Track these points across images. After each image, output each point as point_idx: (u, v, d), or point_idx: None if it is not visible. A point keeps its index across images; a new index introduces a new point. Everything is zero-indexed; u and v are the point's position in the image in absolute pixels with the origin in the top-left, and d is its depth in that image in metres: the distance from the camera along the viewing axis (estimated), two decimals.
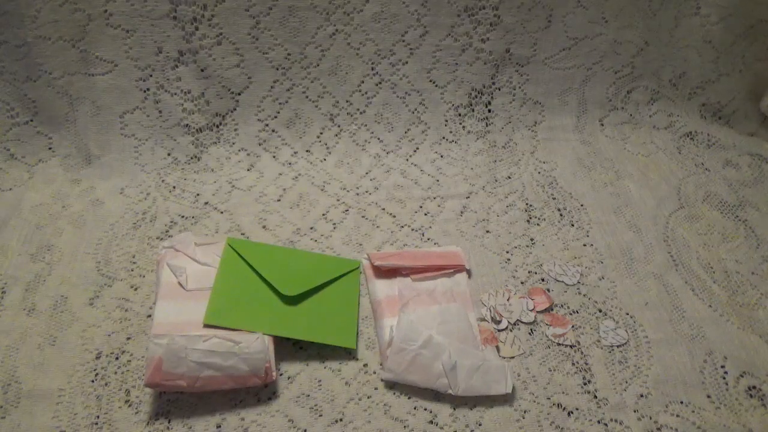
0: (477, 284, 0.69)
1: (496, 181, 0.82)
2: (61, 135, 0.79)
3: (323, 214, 0.76)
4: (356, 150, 0.84)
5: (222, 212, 0.76)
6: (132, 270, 0.68)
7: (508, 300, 0.67)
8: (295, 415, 0.56)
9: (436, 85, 0.84)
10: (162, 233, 0.72)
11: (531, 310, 0.66)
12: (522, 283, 0.69)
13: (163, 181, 0.79)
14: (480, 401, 0.58)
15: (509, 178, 0.82)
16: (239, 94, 0.80)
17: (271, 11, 0.76)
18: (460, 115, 0.86)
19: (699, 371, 0.61)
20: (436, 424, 0.56)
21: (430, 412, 0.57)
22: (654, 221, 0.77)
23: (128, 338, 0.61)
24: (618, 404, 0.58)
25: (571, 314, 0.66)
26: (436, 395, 0.58)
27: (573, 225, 0.76)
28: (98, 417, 0.55)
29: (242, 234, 0.73)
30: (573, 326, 0.64)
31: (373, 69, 0.82)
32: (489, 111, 0.87)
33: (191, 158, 0.81)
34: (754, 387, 0.59)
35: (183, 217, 0.75)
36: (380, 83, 0.83)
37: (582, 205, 0.78)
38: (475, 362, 0.58)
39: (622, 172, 0.84)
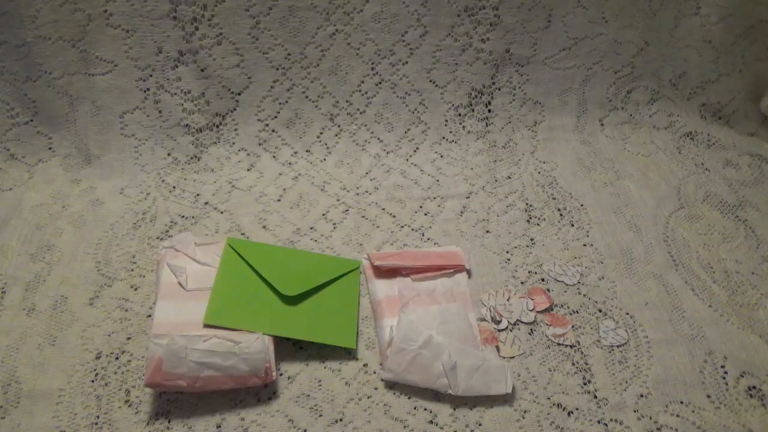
0: (477, 284, 0.69)
1: (496, 181, 0.82)
2: (61, 135, 0.79)
3: (323, 214, 0.76)
4: (356, 150, 0.84)
5: (222, 212, 0.76)
6: (132, 270, 0.68)
7: (508, 300, 0.67)
8: (295, 415, 0.56)
9: (436, 85, 0.84)
10: (162, 233, 0.72)
11: (531, 310, 0.66)
12: (522, 283, 0.69)
13: (163, 181, 0.79)
14: (480, 401, 0.58)
15: (509, 178, 0.82)
16: (239, 94, 0.80)
17: (271, 11, 0.76)
18: (460, 115, 0.86)
19: (699, 371, 0.61)
20: (436, 424, 0.56)
21: (430, 412, 0.57)
22: (654, 221, 0.77)
23: (128, 338, 0.61)
24: (618, 404, 0.58)
25: (571, 314, 0.66)
26: (436, 395, 0.58)
27: (573, 225, 0.76)
28: (98, 417, 0.55)
29: (242, 234, 0.73)
30: (573, 326, 0.64)
31: (373, 69, 0.82)
32: (489, 111, 0.87)
33: (191, 158, 0.81)
34: (754, 387, 0.59)
35: (183, 217, 0.75)
36: (380, 83, 0.83)
37: (582, 205, 0.78)
38: (475, 362, 0.58)
39: (622, 172, 0.84)
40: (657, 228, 0.76)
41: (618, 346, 0.63)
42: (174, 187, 0.78)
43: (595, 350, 0.62)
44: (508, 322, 0.65)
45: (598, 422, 0.57)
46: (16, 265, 0.68)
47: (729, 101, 0.90)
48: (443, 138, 0.86)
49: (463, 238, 0.74)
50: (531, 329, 0.64)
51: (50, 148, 0.79)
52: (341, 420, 0.56)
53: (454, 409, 0.57)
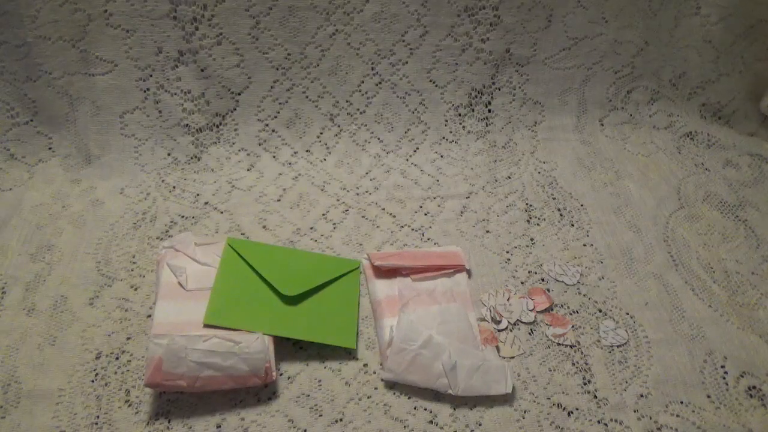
0: (477, 284, 0.69)
1: (496, 181, 0.82)
2: (61, 135, 0.79)
3: (323, 214, 0.76)
4: (356, 150, 0.84)
5: (222, 212, 0.76)
6: (132, 270, 0.68)
7: (508, 300, 0.67)
8: (295, 415, 0.56)
9: (436, 85, 0.84)
10: (162, 233, 0.72)
11: (531, 310, 0.66)
12: (522, 283, 0.69)
13: (163, 181, 0.79)
14: (480, 401, 0.58)
15: (509, 178, 0.82)
16: (239, 94, 0.80)
17: (271, 11, 0.76)
18: (460, 115, 0.86)
19: (699, 371, 0.61)
20: (436, 424, 0.56)
21: (430, 412, 0.57)
22: (654, 221, 0.77)
23: (128, 338, 0.61)
24: (618, 404, 0.58)
25: (571, 314, 0.66)
26: (436, 395, 0.58)
27: (573, 225, 0.76)
28: (98, 417, 0.55)
29: (242, 234, 0.73)
30: (573, 326, 0.64)
31: (373, 69, 0.82)
32: (489, 111, 0.87)
33: (191, 158, 0.81)
34: (754, 387, 0.59)
35: (183, 217, 0.75)
36: (380, 83, 0.83)
37: (582, 205, 0.78)
38: (475, 362, 0.58)
39: (622, 172, 0.84)
40: (657, 228, 0.76)
41: (618, 346, 0.63)
42: (174, 187, 0.78)
43: (595, 350, 0.62)
44: (508, 322, 0.65)
45: (598, 422, 0.57)
46: (16, 265, 0.68)
47: (729, 101, 0.90)
48: (443, 138, 0.86)
49: (463, 238, 0.74)
50: (531, 329, 0.64)
51: (50, 148, 0.79)
52: (341, 420, 0.56)
53: (454, 409, 0.57)
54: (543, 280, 0.69)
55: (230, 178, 0.80)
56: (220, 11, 0.75)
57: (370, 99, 0.83)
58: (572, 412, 0.57)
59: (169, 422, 0.55)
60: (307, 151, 0.83)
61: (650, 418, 0.57)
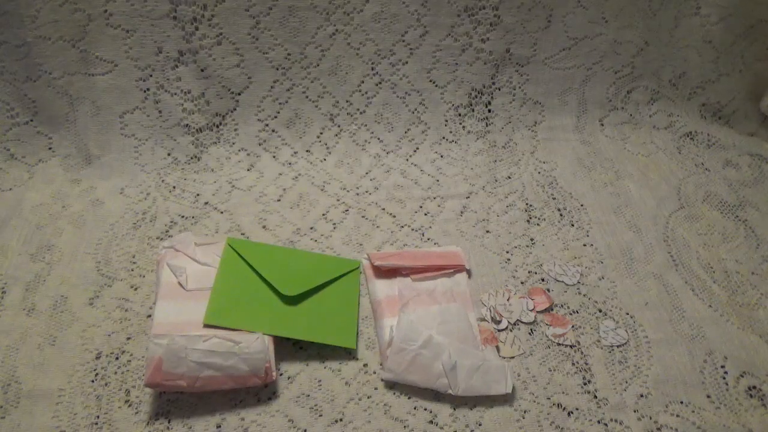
0: (477, 284, 0.69)
1: (496, 181, 0.82)
2: (61, 135, 0.79)
3: (323, 214, 0.76)
4: (356, 150, 0.84)
5: (222, 212, 0.76)
6: (132, 270, 0.68)
7: (508, 300, 0.67)
8: (295, 415, 0.56)
9: (436, 85, 0.84)
10: (162, 233, 0.72)
11: (531, 310, 0.66)
12: (522, 283, 0.69)
13: (163, 181, 0.79)
14: (480, 401, 0.58)
15: (509, 178, 0.82)
16: (239, 94, 0.80)
17: (271, 11, 0.76)
18: (460, 115, 0.86)
19: (699, 371, 0.61)
20: (436, 424, 0.56)
21: (430, 412, 0.57)
22: (654, 221, 0.77)
23: (128, 338, 0.61)
24: (618, 404, 0.58)
25: (571, 314, 0.66)
26: (436, 395, 0.58)
27: (573, 225, 0.76)
28: (98, 417, 0.55)
29: (242, 234, 0.73)
30: (573, 326, 0.64)
31: (373, 69, 0.82)
32: (489, 111, 0.87)
33: (191, 158, 0.81)
34: (754, 387, 0.59)
35: (183, 217, 0.75)
36: (380, 83, 0.83)
37: (582, 205, 0.78)
38: (475, 362, 0.58)
39: (622, 172, 0.84)
40: (657, 228, 0.76)
41: (618, 346, 0.63)
42: (174, 187, 0.78)
43: (595, 350, 0.62)
44: (508, 322, 0.65)
45: (598, 422, 0.57)
46: (16, 265, 0.68)
47: (729, 101, 0.90)
48: (443, 138, 0.86)
49: (463, 238, 0.74)
50: (531, 329, 0.64)
51: (50, 148, 0.79)
52: (341, 420, 0.56)
53: (454, 409, 0.57)
54: (543, 280, 0.69)
55: (230, 178, 0.80)
56: (220, 11, 0.75)
57: (370, 99, 0.83)
58: (572, 412, 0.57)
59: (169, 422, 0.55)
60: (307, 151, 0.83)
61: (650, 418, 0.57)
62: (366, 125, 0.84)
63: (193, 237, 0.66)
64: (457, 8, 0.80)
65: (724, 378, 0.60)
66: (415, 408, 0.57)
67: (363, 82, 0.82)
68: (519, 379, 0.60)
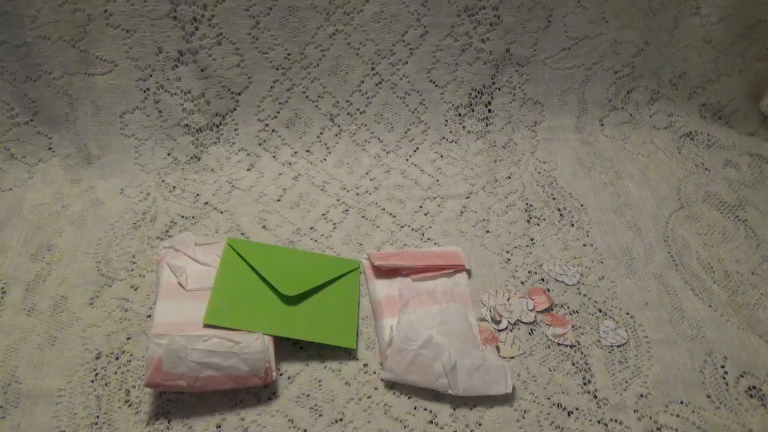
0: (477, 284, 0.69)
1: (496, 181, 0.82)
2: (61, 135, 0.79)
3: (323, 214, 0.76)
4: (356, 150, 0.84)
5: (222, 212, 0.76)
6: (132, 270, 0.68)
7: (508, 300, 0.67)
8: (295, 415, 0.56)
9: (436, 85, 0.84)
10: (162, 233, 0.72)
11: (531, 310, 0.66)
12: (522, 283, 0.69)
13: (163, 181, 0.79)
14: (480, 401, 0.58)
15: (509, 178, 0.82)
16: (239, 94, 0.80)
17: (271, 11, 0.76)
18: (460, 115, 0.86)
19: (699, 371, 0.61)
20: (436, 424, 0.56)
21: (430, 412, 0.57)
22: (654, 221, 0.77)
23: (128, 338, 0.61)
24: (618, 404, 0.58)
25: (571, 314, 0.66)
26: (436, 395, 0.58)
27: (573, 225, 0.76)
28: (98, 417, 0.55)
29: (242, 234, 0.73)
30: (573, 326, 0.64)
31: (373, 69, 0.82)
32: (489, 111, 0.87)
33: (191, 158, 0.81)
34: (754, 387, 0.59)
35: (183, 217, 0.75)
36: (380, 83, 0.83)
37: (582, 205, 0.78)
38: (475, 362, 0.58)
39: (622, 172, 0.84)
40: (657, 228, 0.76)
41: (618, 346, 0.63)
42: (174, 187, 0.78)
43: (595, 350, 0.62)
44: (508, 322, 0.65)
45: (598, 422, 0.57)
46: (16, 265, 0.68)
47: (729, 101, 0.90)
48: (443, 138, 0.86)
49: (463, 238, 0.74)
50: (531, 329, 0.64)
51: (50, 148, 0.79)
52: (341, 420, 0.56)
53: (454, 409, 0.57)
54: (543, 280, 0.69)
55: (230, 178, 0.80)
56: (220, 11, 0.75)
57: (370, 99, 0.83)
58: (572, 412, 0.57)
59: (169, 422, 0.55)
60: (307, 151, 0.83)
61: (650, 418, 0.57)
62: (366, 125, 0.84)
63: (193, 237, 0.66)
64: (457, 8, 0.80)
65: (724, 378, 0.60)
66: (415, 408, 0.57)
67: (363, 82, 0.82)
68: (519, 379, 0.60)
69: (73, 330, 0.62)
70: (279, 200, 0.78)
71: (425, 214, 0.77)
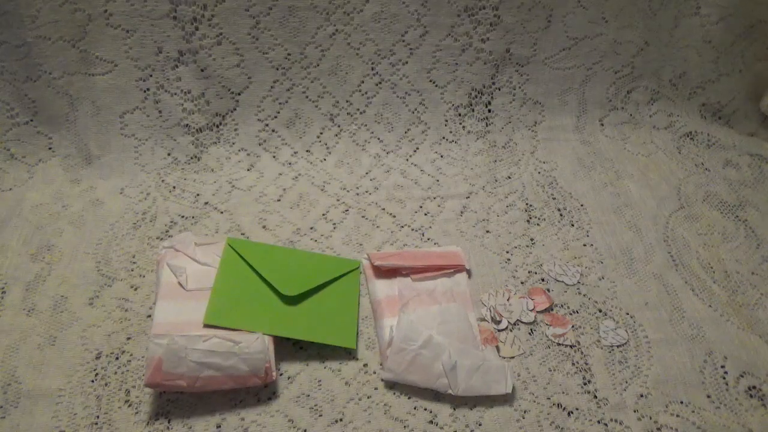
0: (477, 284, 0.69)
1: (496, 181, 0.82)
2: (61, 135, 0.79)
3: (323, 214, 0.76)
4: (356, 150, 0.84)
5: (222, 212, 0.76)
6: (132, 270, 0.68)
7: (508, 300, 0.67)
8: (295, 415, 0.56)
9: (436, 85, 0.84)
10: (162, 233, 0.72)
11: (531, 310, 0.66)
12: (522, 283, 0.69)
13: (163, 181, 0.79)
14: (480, 401, 0.58)
15: (509, 178, 0.82)
16: (239, 94, 0.80)
17: (271, 11, 0.76)
18: (460, 115, 0.86)
19: (699, 371, 0.61)
20: (436, 424, 0.56)
21: (430, 412, 0.57)
22: (654, 221, 0.77)
23: (128, 338, 0.61)
24: (618, 404, 0.58)
25: (571, 314, 0.66)
26: (436, 395, 0.58)
27: (573, 225, 0.76)
28: (98, 417, 0.55)
29: (242, 234, 0.73)
30: (573, 326, 0.64)
31: (373, 69, 0.82)
32: (489, 111, 0.87)
33: (191, 158, 0.81)
34: (754, 387, 0.59)
35: (183, 217, 0.75)
36: (380, 83, 0.83)
37: (582, 205, 0.78)
38: (475, 362, 0.58)
39: (622, 172, 0.84)
40: (657, 228, 0.76)
41: (618, 346, 0.63)
42: (174, 187, 0.78)
43: (595, 350, 0.62)
44: (508, 322, 0.65)
45: (598, 422, 0.57)
46: (16, 265, 0.68)
47: (729, 101, 0.90)
48: (443, 138, 0.86)
49: (463, 238, 0.74)
50: (531, 329, 0.64)
51: (50, 148, 0.79)
52: (341, 420, 0.56)
53: (454, 409, 0.57)
54: (543, 280, 0.69)
55: (230, 178, 0.80)
56: (220, 11, 0.75)
57: (370, 99, 0.83)
58: (572, 412, 0.57)
59: (169, 422, 0.55)
60: (307, 151, 0.83)
61: (650, 418, 0.57)
62: (366, 125, 0.84)
63: (193, 237, 0.66)
64: (457, 8, 0.80)
65: (724, 378, 0.60)
66: (415, 408, 0.57)
67: (363, 82, 0.82)
68: (519, 379, 0.60)
69: (73, 330, 0.62)
70: (279, 200, 0.78)
71: (425, 214, 0.77)
